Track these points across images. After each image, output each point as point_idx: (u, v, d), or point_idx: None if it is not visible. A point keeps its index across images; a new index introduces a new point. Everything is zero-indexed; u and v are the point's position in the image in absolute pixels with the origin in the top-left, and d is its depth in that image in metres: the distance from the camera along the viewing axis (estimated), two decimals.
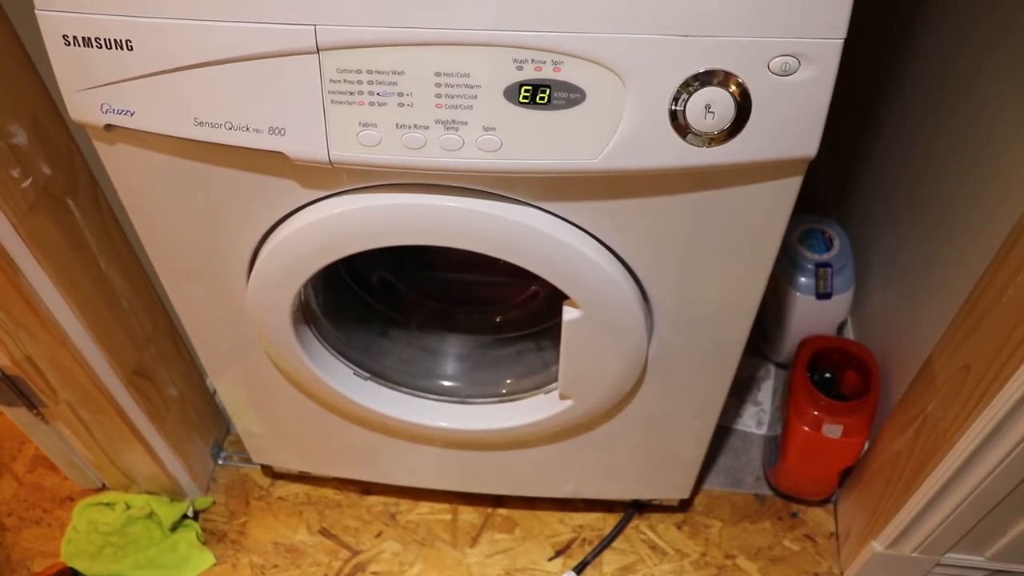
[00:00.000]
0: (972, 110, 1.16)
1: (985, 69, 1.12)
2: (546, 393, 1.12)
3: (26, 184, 0.98)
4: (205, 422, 1.52)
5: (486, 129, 0.75)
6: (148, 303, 1.27)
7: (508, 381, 1.18)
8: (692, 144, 0.74)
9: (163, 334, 1.33)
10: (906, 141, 1.38)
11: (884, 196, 1.47)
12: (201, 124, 0.78)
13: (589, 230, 0.86)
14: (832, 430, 1.29)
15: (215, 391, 1.55)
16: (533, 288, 1.24)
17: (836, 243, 1.48)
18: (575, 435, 1.19)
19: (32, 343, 1.12)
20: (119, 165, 0.89)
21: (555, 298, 0.96)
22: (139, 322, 1.25)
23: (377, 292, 1.24)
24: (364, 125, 0.76)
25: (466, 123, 0.74)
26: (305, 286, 0.97)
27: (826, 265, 1.45)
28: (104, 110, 0.80)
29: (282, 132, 0.77)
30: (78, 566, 1.42)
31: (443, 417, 1.16)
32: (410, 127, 0.75)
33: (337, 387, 1.11)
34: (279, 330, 1.02)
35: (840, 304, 1.48)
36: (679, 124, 0.73)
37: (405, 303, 1.26)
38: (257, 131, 0.77)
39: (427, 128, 0.75)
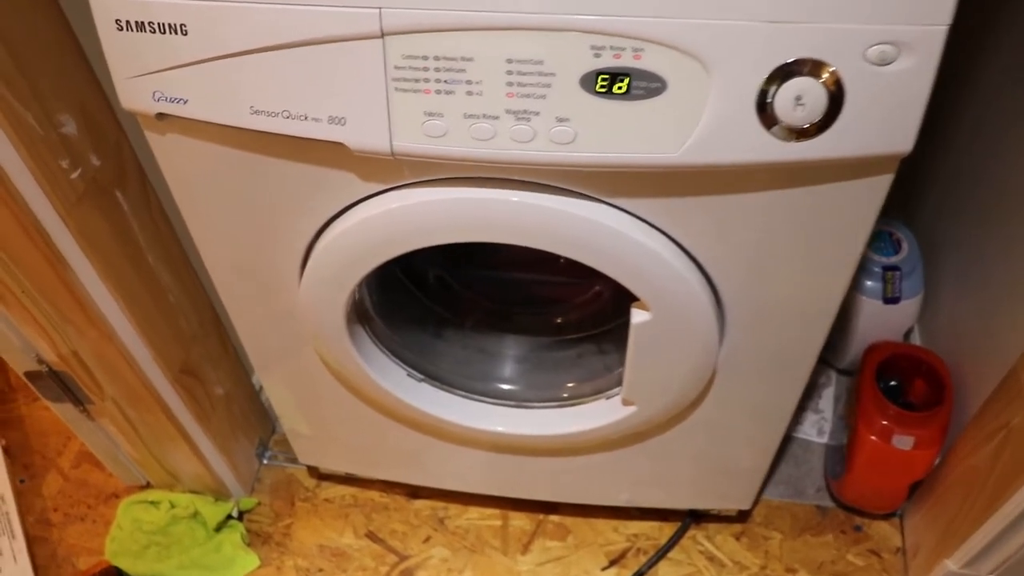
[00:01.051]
0: None
1: None
2: (608, 398, 1.07)
3: (75, 175, 0.95)
4: (251, 421, 1.49)
5: (560, 120, 0.70)
6: (195, 300, 1.24)
7: (569, 385, 1.13)
8: (779, 138, 0.69)
9: (210, 332, 1.30)
10: (987, 136, 1.31)
11: (959, 196, 1.40)
12: (257, 113, 0.75)
13: (661, 227, 0.82)
14: (903, 441, 1.23)
15: (261, 389, 1.52)
16: (596, 288, 1.19)
17: (904, 245, 1.41)
18: (635, 442, 1.14)
19: (79, 338, 1.09)
20: (170, 155, 0.86)
21: (619, 298, 0.91)
22: (186, 319, 1.22)
23: (433, 291, 1.20)
24: (429, 115, 0.72)
25: (538, 113, 0.70)
26: (360, 285, 0.93)
27: (894, 268, 1.39)
28: (156, 98, 0.77)
29: (342, 121, 0.73)
30: (122, 564, 1.39)
31: (500, 421, 1.11)
32: (479, 117, 0.71)
33: (391, 389, 1.07)
34: (332, 329, 0.98)
35: (908, 309, 1.42)
36: (767, 116, 0.68)
37: (461, 303, 1.21)
38: (316, 120, 0.74)
39: (497, 118, 0.71)
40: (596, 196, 0.80)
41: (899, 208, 1.63)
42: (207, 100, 0.75)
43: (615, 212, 0.80)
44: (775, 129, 0.69)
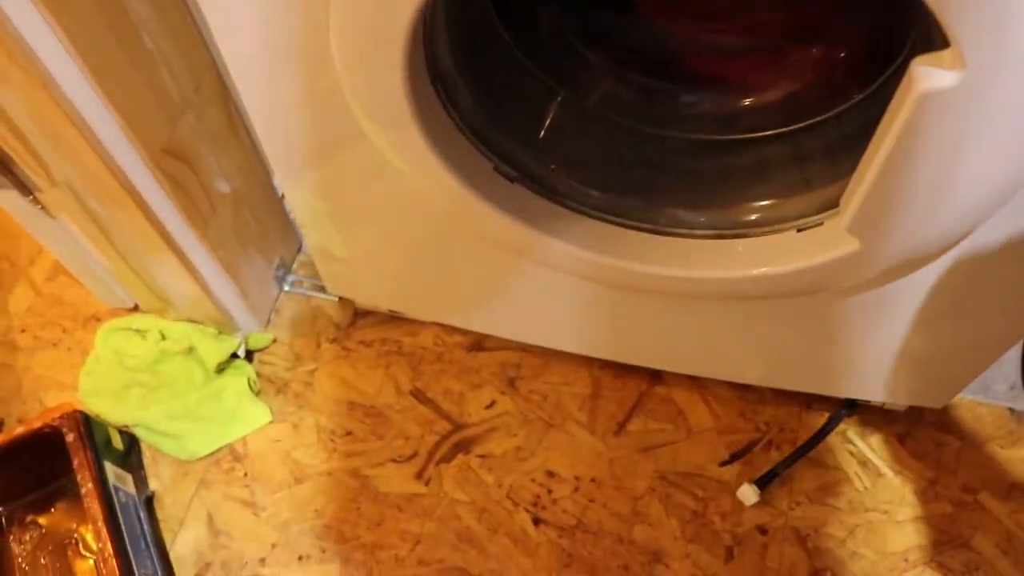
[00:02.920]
0: None
1: None
2: (799, 230, 0.68)
3: None
4: (268, 233, 1.13)
5: None
6: (186, 48, 0.86)
7: (747, 205, 0.73)
8: None
9: (210, 100, 0.92)
10: None
11: None
12: None
13: None
14: None
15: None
16: (813, 50, 0.76)
17: None
18: (821, 306, 0.76)
19: (7, 90, 0.73)
20: None
21: (845, 70, 0.51)
22: (172, 75, 0.84)
23: (546, 53, 0.78)
24: None
25: None
26: (432, 32, 0.54)
27: None
28: None
29: None
30: (97, 406, 1.08)
31: (628, 251, 0.73)
32: None
33: (467, 188, 0.69)
34: (383, 81, 0.59)
35: None
36: None
37: (586, 72, 0.80)
38: None
39: None
40: None
41: None
42: None
43: None
44: None
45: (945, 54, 0.48)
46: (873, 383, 0.94)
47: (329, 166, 0.79)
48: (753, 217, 0.71)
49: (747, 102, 0.75)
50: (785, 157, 0.72)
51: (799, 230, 0.68)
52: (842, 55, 0.69)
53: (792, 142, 0.72)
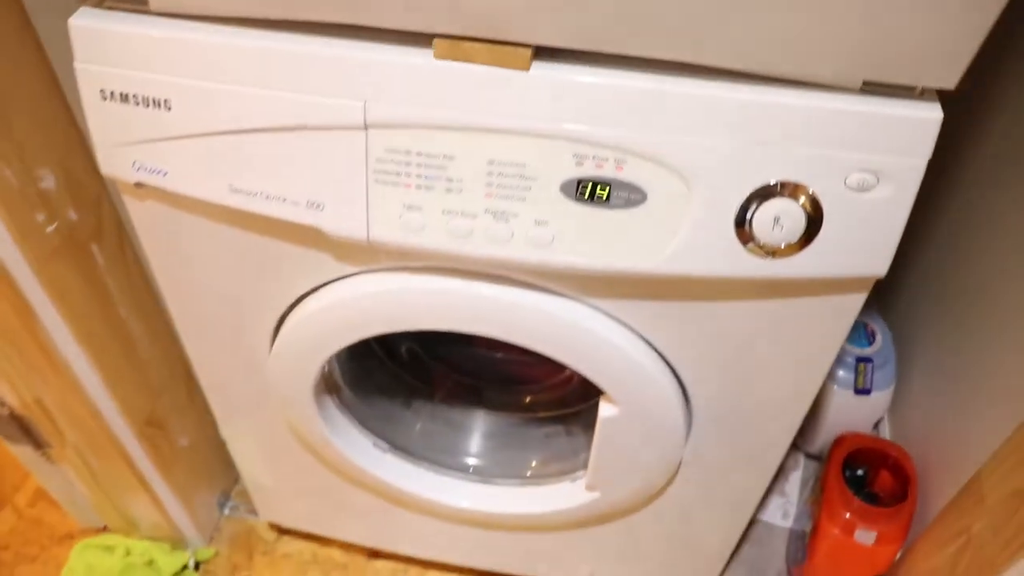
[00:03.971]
0: None
1: None
2: (572, 481, 1.07)
3: (50, 229, 0.94)
4: (213, 471, 1.47)
5: (538, 223, 0.70)
6: (166, 351, 1.23)
7: (534, 463, 1.13)
8: (756, 255, 0.69)
9: (179, 383, 1.29)
10: (963, 236, 1.33)
11: (932, 294, 1.41)
12: (236, 191, 0.74)
13: (633, 327, 0.82)
14: (865, 536, 1.23)
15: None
16: (567, 372, 1.19)
17: (878, 338, 1.42)
18: (597, 524, 1.13)
19: (43, 386, 1.08)
20: (147, 222, 0.85)
21: (589, 384, 0.91)
22: (156, 371, 1.21)
23: (404, 362, 1.19)
24: (408, 208, 0.71)
25: (517, 215, 0.70)
26: (330, 359, 0.92)
27: (867, 360, 1.40)
28: (136, 167, 0.76)
29: (320, 207, 0.73)
30: None
31: (464, 496, 1.10)
32: (457, 214, 0.71)
33: (355, 459, 1.06)
34: (299, 400, 0.97)
35: (879, 401, 1.42)
36: (744, 234, 0.68)
37: (432, 375, 1.21)
38: (295, 203, 0.73)
39: (475, 216, 0.71)
40: (570, 295, 0.80)
41: (875, 300, 1.64)
42: (187, 174, 0.75)
43: (588, 310, 0.80)
44: (752, 246, 0.69)
45: (610, 396, 0.87)
46: (661, 573, 1.30)
47: (261, 436, 1.15)
48: (536, 471, 1.11)
49: (535, 396, 1.16)
50: (560, 432, 1.12)
51: (572, 480, 1.07)
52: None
53: (565, 423, 1.12)
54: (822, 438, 1.47)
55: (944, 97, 0.65)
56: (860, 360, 1.39)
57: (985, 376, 1.20)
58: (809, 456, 1.59)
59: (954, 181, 1.36)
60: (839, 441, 1.33)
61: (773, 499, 1.53)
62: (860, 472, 1.34)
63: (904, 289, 1.53)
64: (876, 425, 1.49)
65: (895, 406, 1.46)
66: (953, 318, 1.33)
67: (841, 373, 1.40)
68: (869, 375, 1.39)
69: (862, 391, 1.40)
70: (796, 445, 1.59)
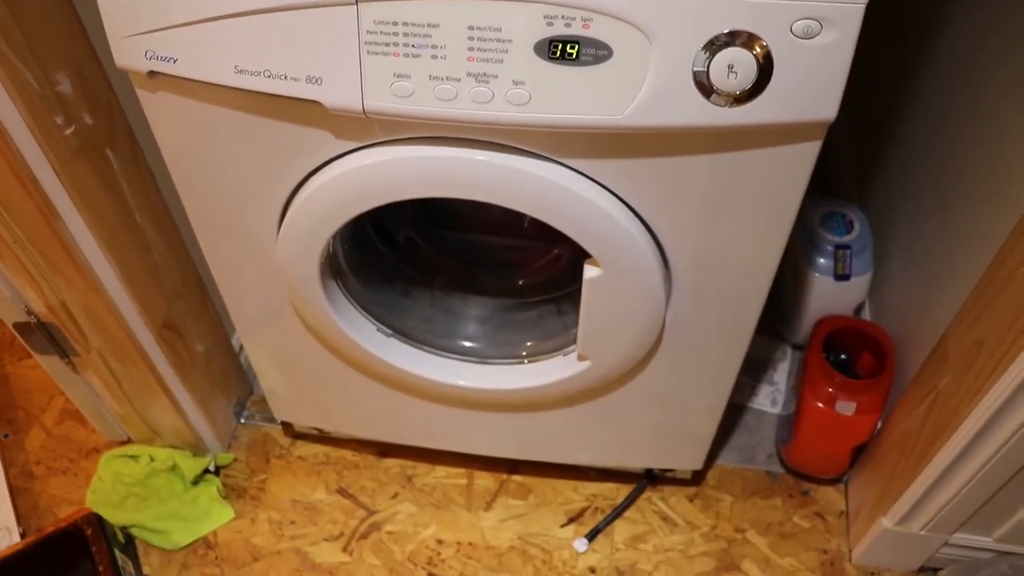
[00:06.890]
0: (994, 99, 1.17)
1: (1013, 59, 1.13)
2: (564, 355, 1.14)
3: (69, 132, 1.01)
4: (229, 380, 1.55)
5: (515, 83, 0.77)
6: (179, 258, 1.31)
7: (528, 343, 1.20)
8: (714, 104, 0.76)
9: (192, 290, 1.36)
10: (929, 128, 1.39)
11: (905, 182, 1.48)
12: (241, 72, 0.81)
13: (611, 188, 0.89)
14: (845, 407, 1.31)
15: (241, 350, 1.58)
16: (555, 252, 1.26)
17: (856, 226, 1.49)
18: (590, 399, 1.21)
19: (67, 289, 1.16)
20: (159, 113, 0.92)
21: (577, 263, 0.98)
22: (169, 276, 1.28)
23: (402, 251, 1.26)
24: (398, 76, 0.78)
25: (496, 76, 0.77)
26: (333, 239, 1.00)
27: (845, 247, 1.47)
28: (148, 56, 0.83)
29: (319, 81, 0.80)
30: (102, 514, 1.45)
31: (463, 376, 1.18)
32: (442, 79, 0.78)
33: (361, 342, 1.14)
34: (307, 283, 1.05)
35: (858, 286, 1.49)
36: (702, 83, 0.75)
37: (429, 263, 1.28)
38: (295, 80, 0.80)
39: (459, 80, 0.78)
40: (553, 157, 0.87)
41: (853, 191, 1.71)
42: (195, 60, 0.82)
43: (569, 172, 0.87)
44: (711, 96, 0.76)
45: (594, 258, 0.94)
46: (652, 456, 1.38)
47: (272, 328, 1.22)
48: (530, 349, 1.19)
49: (527, 280, 1.24)
50: (552, 312, 1.20)
51: (564, 355, 1.14)
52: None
53: (556, 303, 1.20)
54: (806, 326, 1.54)
55: None
56: (839, 247, 1.46)
57: (947, 253, 1.27)
58: (796, 347, 1.66)
59: (923, 71, 1.43)
60: (820, 322, 1.41)
61: (763, 388, 1.61)
62: (844, 357, 1.42)
63: (880, 181, 1.60)
64: (858, 312, 1.56)
65: (874, 291, 1.53)
66: (921, 204, 1.40)
67: (821, 261, 1.47)
68: (848, 261, 1.46)
69: (842, 277, 1.47)
70: (783, 337, 1.66)
